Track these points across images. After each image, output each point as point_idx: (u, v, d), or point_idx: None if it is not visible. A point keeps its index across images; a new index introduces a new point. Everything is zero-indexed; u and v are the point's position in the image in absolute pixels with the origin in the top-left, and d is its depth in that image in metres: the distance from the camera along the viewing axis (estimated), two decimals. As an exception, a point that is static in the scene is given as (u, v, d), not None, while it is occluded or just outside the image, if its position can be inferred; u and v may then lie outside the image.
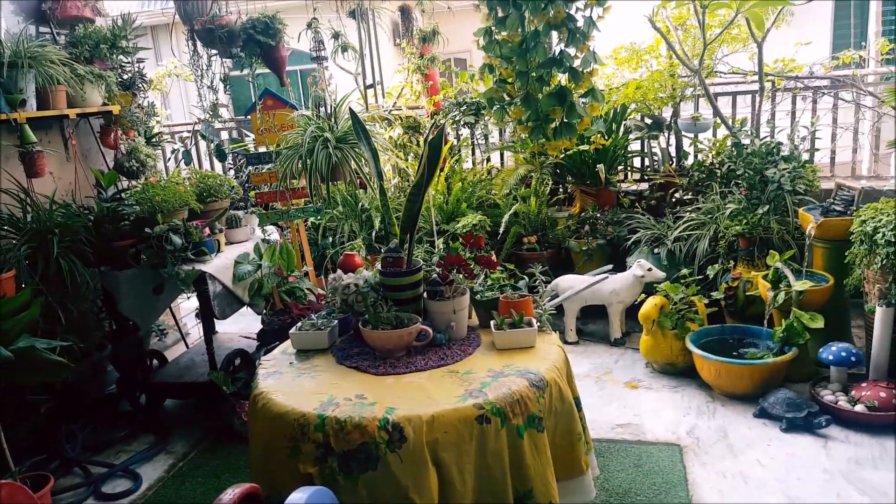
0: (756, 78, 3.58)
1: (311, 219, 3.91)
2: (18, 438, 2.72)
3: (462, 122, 4.12)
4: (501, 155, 4.55)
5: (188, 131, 4.94)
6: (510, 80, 2.12)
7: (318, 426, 1.66)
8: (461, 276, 2.13)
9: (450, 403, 1.68)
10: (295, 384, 1.87)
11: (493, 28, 2.11)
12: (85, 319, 3.07)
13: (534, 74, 2.04)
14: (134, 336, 3.25)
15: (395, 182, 4.35)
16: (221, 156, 4.34)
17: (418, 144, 4.30)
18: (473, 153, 4.59)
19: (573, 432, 1.88)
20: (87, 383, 3.17)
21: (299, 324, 2.16)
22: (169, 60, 5.19)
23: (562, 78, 2.15)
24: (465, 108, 4.05)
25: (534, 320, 2.03)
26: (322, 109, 3.00)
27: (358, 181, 3.06)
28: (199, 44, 3.41)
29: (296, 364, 2.01)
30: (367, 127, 2.94)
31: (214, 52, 3.51)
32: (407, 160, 4.44)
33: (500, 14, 2.03)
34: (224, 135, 4.97)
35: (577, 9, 2.17)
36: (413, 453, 1.61)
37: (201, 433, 3.05)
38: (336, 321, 2.16)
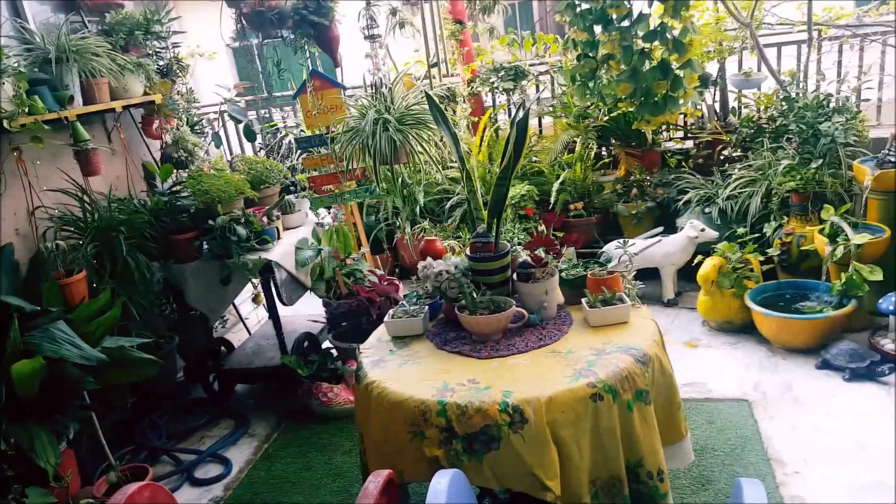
0: (803, 28, 3.51)
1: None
2: (106, 432, 2.81)
3: (500, 89, 4.05)
4: (539, 121, 4.50)
5: (214, 112, 4.86)
6: (591, 53, 2.09)
7: (439, 412, 1.73)
8: (550, 255, 2.16)
9: (562, 384, 1.74)
10: (402, 372, 1.93)
11: (576, 1, 2.06)
12: (152, 313, 3.12)
13: (639, 49, 1.99)
14: (204, 325, 3.31)
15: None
16: (250, 136, 4.27)
17: (454, 114, 4.25)
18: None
19: (673, 401, 1.95)
20: (161, 374, 3.24)
21: (391, 311, 2.20)
22: (191, 41, 5.03)
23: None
24: (503, 73, 3.99)
25: (625, 296, 2.07)
26: (374, 90, 2.96)
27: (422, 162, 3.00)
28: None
29: (396, 351, 2.06)
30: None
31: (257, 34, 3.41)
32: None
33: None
34: (251, 114, 4.90)
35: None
36: (535, 433, 1.67)
37: (279, 415, 3.15)
38: (427, 306, 2.20)
